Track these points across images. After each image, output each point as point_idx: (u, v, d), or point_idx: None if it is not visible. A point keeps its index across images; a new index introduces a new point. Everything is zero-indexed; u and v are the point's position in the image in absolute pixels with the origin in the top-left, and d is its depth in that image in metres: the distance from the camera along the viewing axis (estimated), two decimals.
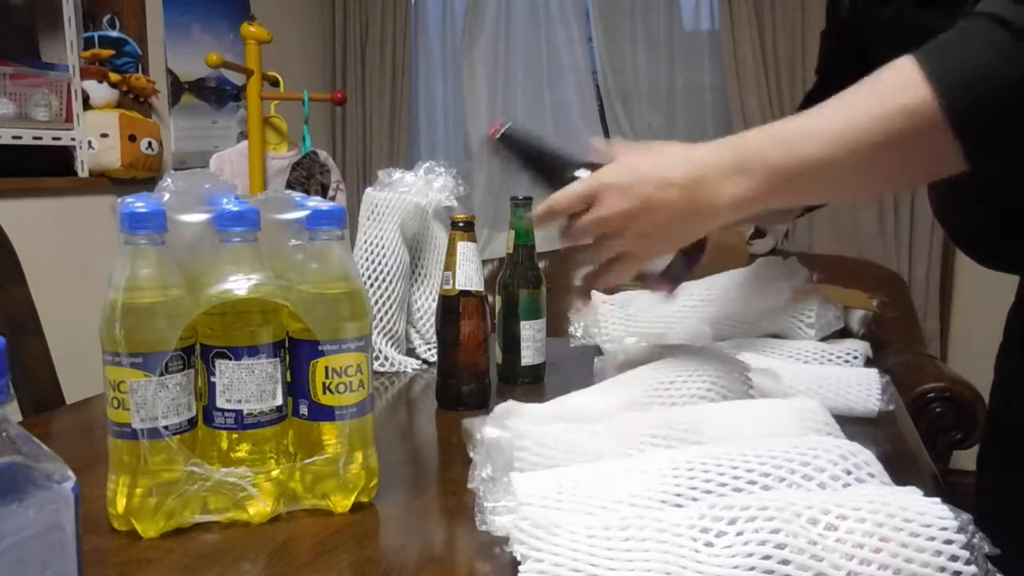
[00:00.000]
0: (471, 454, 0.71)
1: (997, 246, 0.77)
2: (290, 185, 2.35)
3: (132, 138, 2.28)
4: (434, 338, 1.10)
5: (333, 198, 2.44)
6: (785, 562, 0.46)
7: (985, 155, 0.61)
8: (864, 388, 0.88)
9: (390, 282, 1.15)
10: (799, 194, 0.69)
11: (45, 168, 2.17)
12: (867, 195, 0.76)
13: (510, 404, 0.74)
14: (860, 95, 0.65)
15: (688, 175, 0.69)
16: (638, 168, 0.72)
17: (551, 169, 0.80)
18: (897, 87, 0.62)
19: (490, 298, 1.09)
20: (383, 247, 1.15)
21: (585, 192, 0.73)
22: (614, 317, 1.17)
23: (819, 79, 0.99)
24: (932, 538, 0.46)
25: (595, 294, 1.25)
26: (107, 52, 2.30)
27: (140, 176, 2.35)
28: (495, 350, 1.06)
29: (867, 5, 0.82)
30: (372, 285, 1.14)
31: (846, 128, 0.64)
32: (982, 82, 0.59)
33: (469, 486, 0.68)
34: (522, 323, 1.04)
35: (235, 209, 0.63)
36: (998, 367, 0.86)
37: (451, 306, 0.94)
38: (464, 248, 0.94)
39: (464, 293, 0.93)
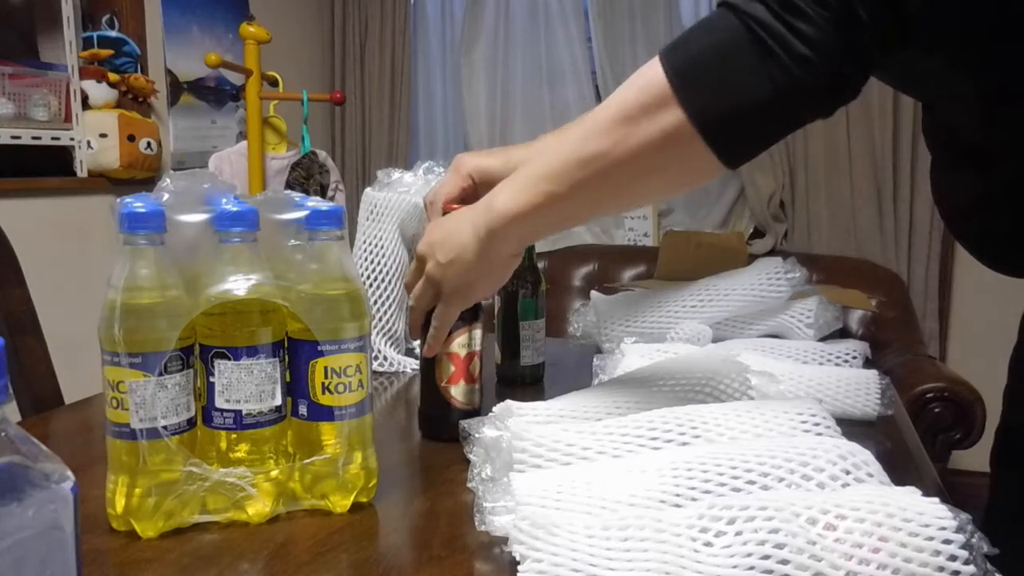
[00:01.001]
0: (469, 455, 0.71)
1: (1008, 250, 0.77)
2: (289, 185, 2.35)
3: (131, 138, 2.28)
4: None
5: (332, 198, 2.44)
6: (784, 562, 0.46)
7: (715, 131, 0.62)
8: (863, 391, 0.88)
9: (389, 282, 1.15)
10: (563, 201, 0.70)
11: (44, 168, 2.17)
12: (632, 197, 0.75)
13: (509, 404, 0.74)
14: (607, 109, 0.67)
15: (483, 215, 0.74)
16: (445, 236, 0.78)
17: None
18: (636, 75, 0.65)
19: (488, 299, 1.09)
20: (382, 247, 1.15)
21: (417, 263, 0.81)
22: (614, 317, 1.17)
23: None
24: (931, 538, 0.46)
25: (594, 294, 1.25)
26: (106, 52, 2.30)
27: (139, 176, 2.35)
28: (495, 350, 1.06)
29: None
30: (371, 285, 1.14)
31: (594, 119, 0.66)
32: (701, 50, 0.62)
33: (468, 485, 0.68)
34: (521, 323, 1.04)
35: (234, 209, 0.63)
36: (1013, 369, 0.86)
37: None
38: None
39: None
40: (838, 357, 1.04)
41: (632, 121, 0.64)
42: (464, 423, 0.72)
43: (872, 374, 0.91)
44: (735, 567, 0.47)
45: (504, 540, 0.53)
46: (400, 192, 1.17)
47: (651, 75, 0.63)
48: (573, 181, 0.67)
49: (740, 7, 0.60)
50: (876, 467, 0.57)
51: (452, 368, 0.83)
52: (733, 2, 0.61)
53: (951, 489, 0.70)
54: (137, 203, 0.60)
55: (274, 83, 2.40)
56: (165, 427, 0.61)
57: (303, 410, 0.66)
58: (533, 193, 0.70)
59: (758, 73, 0.59)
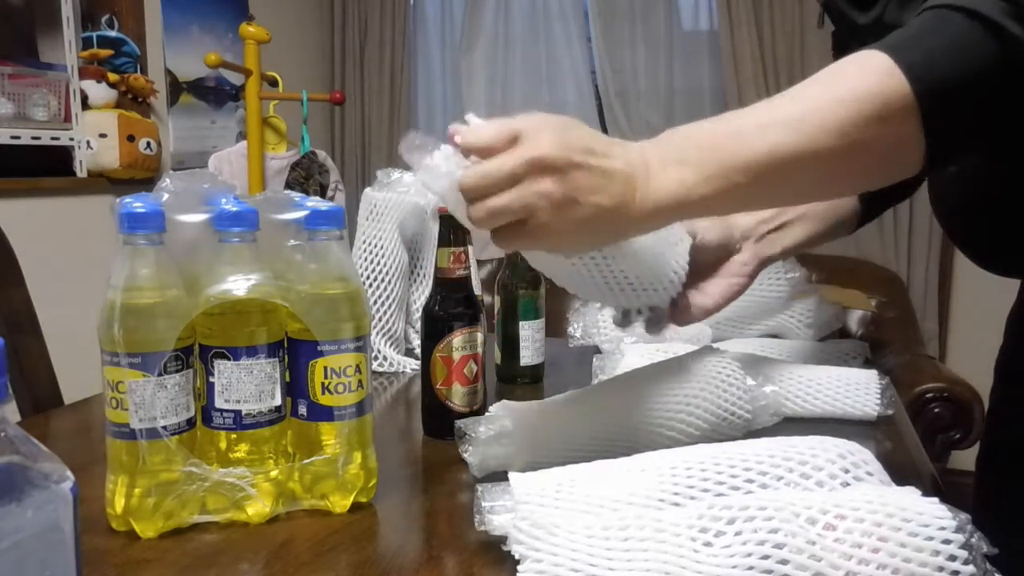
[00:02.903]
0: (464, 455, 0.71)
1: (1001, 251, 0.77)
2: (289, 185, 2.35)
3: (131, 138, 2.28)
4: None
5: (332, 198, 2.44)
6: (784, 562, 0.46)
7: (946, 151, 0.59)
8: (863, 391, 0.88)
9: (389, 282, 1.15)
10: (749, 193, 0.61)
11: (43, 168, 2.17)
12: (826, 194, 0.67)
13: (505, 403, 0.74)
14: (822, 83, 0.60)
15: (629, 155, 0.59)
16: (571, 125, 0.59)
17: None
18: (867, 74, 0.58)
19: (488, 299, 1.09)
20: (382, 247, 1.15)
21: (516, 168, 0.56)
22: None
23: None
24: (930, 538, 0.46)
25: None
26: (106, 52, 2.30)
27: (139, 176, 2.35)
28: (495, 350, 1.06)
29: (843, 14, 0.81)
30: (371, 285, 1.14)
31: (807, 115, 0.58)
32: (954, 72, 0.57)
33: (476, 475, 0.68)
34: (521, 323, 1.04)
35: (234, 209, 0.63)
36: (998, 370, 0.86)
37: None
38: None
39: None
40: (838, 357, 1.04)
41: (864, 130, 0.58)
42: (460, 423, 0.72)
43: (872, 374, 0.91)
44: (735, 567, 0.47)
45: (504, 540, 0.53)
46: (400, 192, 1.17)
47: (890, 86, 0.57)
48: (774, 176, 0.59)
49: (999, 24, 0.55)
50: (876, 466, 0.57)
51: (446, 370, 0.83)
52: (988, 15, 0.56)
53: (950, 489, 0.70)
54: (137, 203, 0.60)
55: (274, 83, 2.40)
56: (165, 427, 0.61)
57: (303, 410, 0.66)
58: (722, 182, 0.59)
59: (1014, 104, 0.56)
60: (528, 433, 0.70)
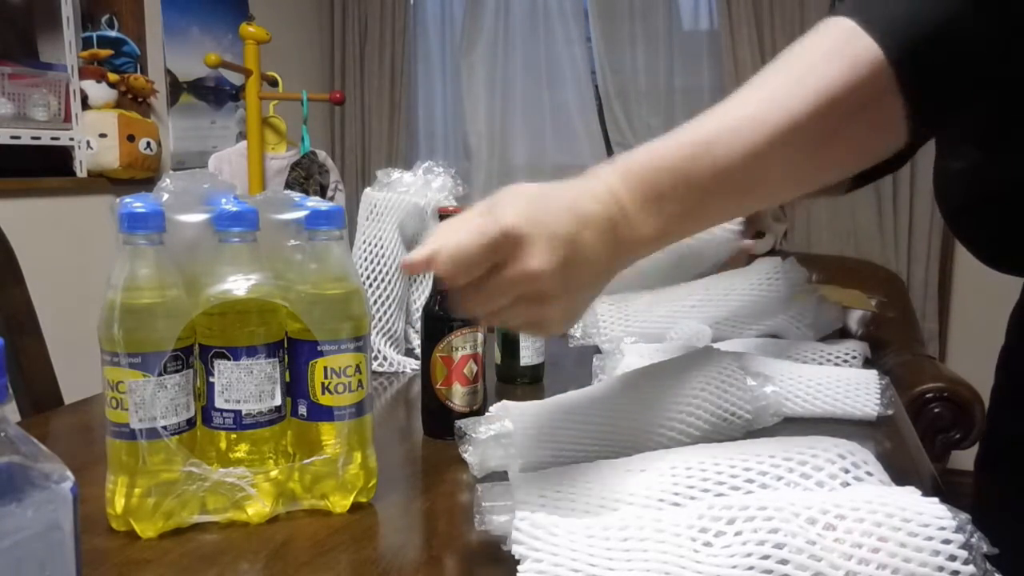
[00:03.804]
0: (464, 455, 0.71)
1: (1005, 248, 0.77)
2: (289, 185, 2.35)
3: (131, 138, 2.28)
4: None
5: (332, 198, 2.44)
6: (784, 562, 0.46)
7: (928, 113, 0.55)
8: (863, 391, 0.88)
9: (389, 282, 1.15)
10: (735, 201, 0.58)
11: (43, 168, 2.17)
12: (816, 183, 0.61)
13: (505, 404, 0.74)
14: (788, 63, 0.56)
15: (609, 208, 0.55)
16: (546, 198, 0.54)
17: None
18: (836, 44, 0.54)
19: None
20: (382, 247, 1.15)
21: (491, 242, 0.52)
22: (613, 317, 1.17)
23: None
24: (930, 538, 0.46)
25: None
26: (106, 52, 2.30)
27: (139, 176, 2.35)
28: (495, 350, 1.06)
29: None
30: (371, 285, 1.14)
31: (775, 105, 0.54)
32: (921, 22, 0.53)
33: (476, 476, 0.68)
34: None
35: (234, 209, 0.63)
36: (1000, 369, 0.86)
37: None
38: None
39: None
40: (838, 357, 1.04)
41: (841, 108, 0.54)
42: (459, 423, 0.72)
43: (872, 374, 0.91)
44: (735, 567, 0.47)
45: (504, 540, 0.53)
46: (400, 192, 1.17)
47: (859, 52, 0.53)
48: (756, 179, 0.56)
49: None
50: (876, 466, 0.57)
51: (445, 370, 0.83)
52: None
53: (950, 489, 0.70)
54: (137, 203, 0.60)
55: (274, 83, 2.40)
56: (164, 427, 0.61)
57: (303, 410, 0.66)
58: (705, 204, 0.57)
59: (991, 44, 0.52)
60: (528, 433, 0.70)
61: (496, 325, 0.57)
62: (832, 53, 0.54)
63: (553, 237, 0.53)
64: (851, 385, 0.89)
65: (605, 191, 0.55)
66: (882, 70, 0.53)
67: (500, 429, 0.70)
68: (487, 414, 0.73)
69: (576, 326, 1.21)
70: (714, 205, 0.57)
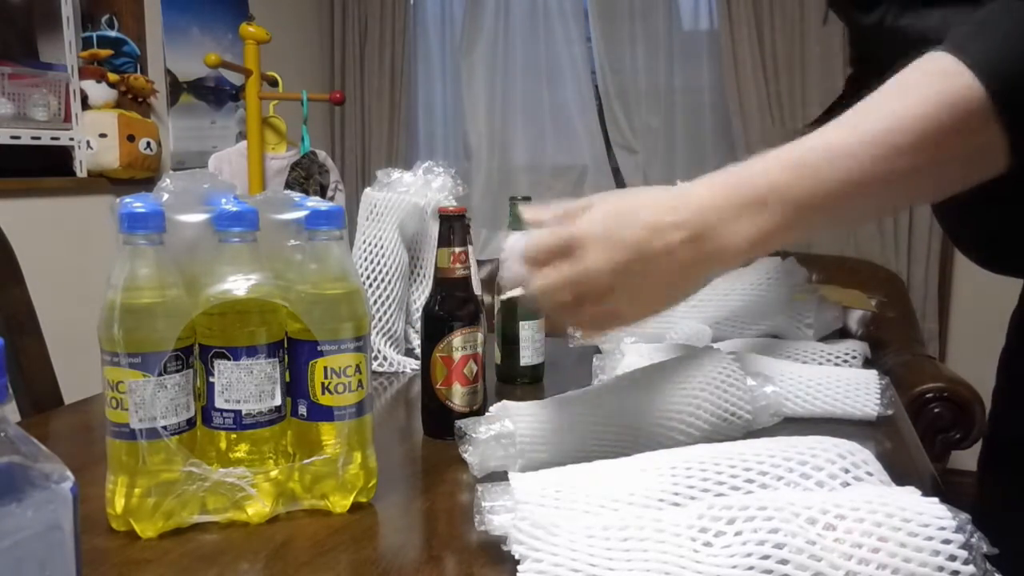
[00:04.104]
0: (464, 455, 0.71)
1: (1000, 250, 0.77)
2: (289, 185, 2.35)
3: (131, 138, 2.28)
4: None
5: (332, 198, 2.44)
6: (784, 562, 0.46)
7: None
8: (863, 392, 0.88)
9: (389, 282, 1.15)
10: (828, 223, 0.61)
11: (43, 168, 2.17)
12: (904, 207, 0.65)
13: (505, 404, 0.74)
14: (887, 98, 0.57)
15: (691, 219, 0.58)
16: (624, 213, 0.60)
17: None
18: (933, 80, 0.55)
19: (488, 299, 1.09)
20: (382, 247, 1.15)
21: (558, 244, 0.60)
22: None
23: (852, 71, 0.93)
24: (930, 538, 0.46)
25: None
26: (106, 52, 2.30)
27: (139, 176, 2.35)
28: (495, 350, 1.06)
29: (847, 12, 0.80)
30: (371, 285, 1.14)
31: (878, 136, 0.55)
32: (1022, 61, 0.53)
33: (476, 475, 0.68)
34: (521, 323, 1.04)
35: (234, 209, 0.63)
36: (1002, 370, 0.86)
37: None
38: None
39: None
40: (838, 357, 1.04)
41: (941, 146, 0.54)
42: (459, 423, 0.72)
43: (872, 374, 0.91)
44: (735, 567, 0.47)
45: (504, 540, 0.53)
46: (400, 192, 1.17)
47: (958, 87, 0.54)
48: (852, 205, 0.58)
49: None
50: (876, 466, 0.57)
51: (446, 370, 0.83)
52: None
53: (950, 489, 0.70)
54: (137, 203, 0.60)
55: (274, 83, 2.40)
56: (165, 427, 0.61)
57: (303, 410, 0.66)
58: (799, 222, 0.58)
59: None
60: (528, 433, 0.70)
61: (568, 324, 0.62)
62: (936, 95, 0.55)
63: (616, 242, 0.58)
64: (851, 385, 0.89)
65: (688, 204, 0.59)
66: (983, 107, 0.54)
67: (500, 429, 0.70)
68: (487, 414, 0.73)
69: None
70: (808, 223, 0.59)
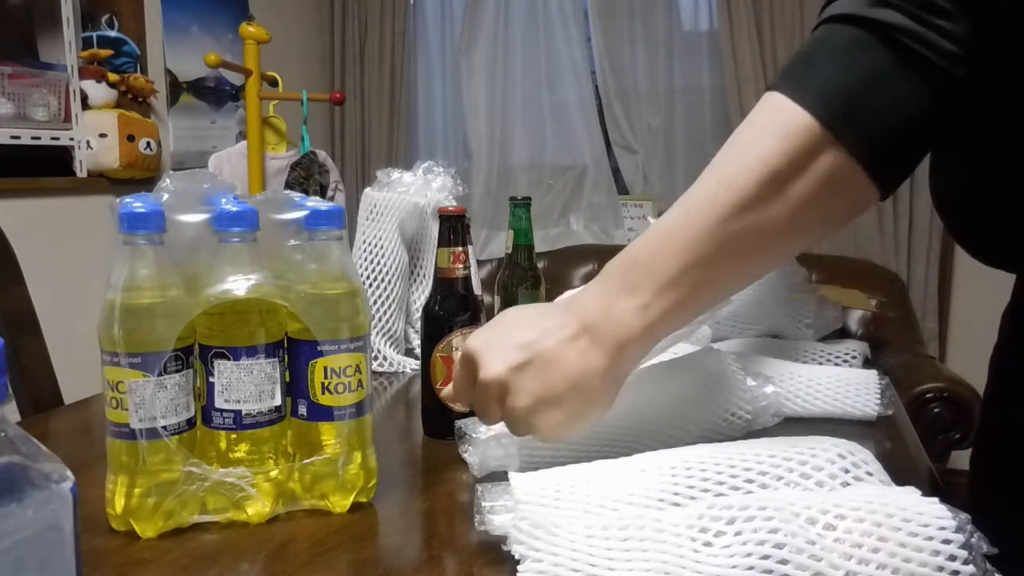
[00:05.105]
0: (464, 455, 0.71)
1: (997, 244, 0.77)
2: (289, 185, 2.35)
3: (131, 138, 2.28)
4: None
5: (332, 198, 2.44)
6: (784, 561, 0.46)
7: (886, 167, 0.56)
8: (863, 391, 0.88)
9: (389, 282, 1.15)
10: (712, 288, 0.60)
11: (43, 168, 2.17)
12: (791, 254, 0.64)
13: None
14: (731, 146, 0.58)
15: (575, 317, 0.60)
16: (512, 319, 0.63)
17: None
18: (766, 121, 0.56)
19: (488, 299, 1.09)
20: (382, 247, 1.15)
21: (461, 361, 0.64)
22: None
23: None
24: (930, 538, 0.46)
25: None
26: (106, 52, 2.30)
27: (139, 176, 2.35)
28: None
29: None
30: (371, 285, 1.14)
31: (724, 184, 0.56)
32: (851, 86, 0.55)
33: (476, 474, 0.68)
34: None
35: (234, 209, 0.63)
36: (993, 366, 0.86)
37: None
38: None
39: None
40: (838, 357, 1.04)
41: (783, 179, 0.55)
42: (459, 423, 0.72)
43: (872, 374, 0.91)
44: (735, 567, 0.47)
45: (504, 540, 0.53)
46: (400, 192, 1.17)
47: (788, 119, 0.55)
48: (720, 263, 0.58)
49: (867, 17, 0.54)
50: (876, 466, 0.57)
51: (446, 370, 0.83)
52: (854, 13, 0.54)
53: (950, 489, 0.70)
54: (136, 203, 0.60)
55: (274, 83, 2.40)
56: (164, 427, 0.61)
57: (303, 410, 0.66)
58: (676, 290, 0.58)
59: (913, 86, 0.54)
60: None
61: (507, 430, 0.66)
62: (766, 126, 0.57)
63: (508, 348, 0.60)
64: (851, 385, 0.89)
65: (570, 303, 0.61)
66: (816, 134, 0.55)
67: (500, 429, 0.70)
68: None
69: None
70: (689, 288, 0.58)
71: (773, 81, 0.59)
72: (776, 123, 0.56)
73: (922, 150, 0.59)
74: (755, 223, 0.57)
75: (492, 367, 0.60)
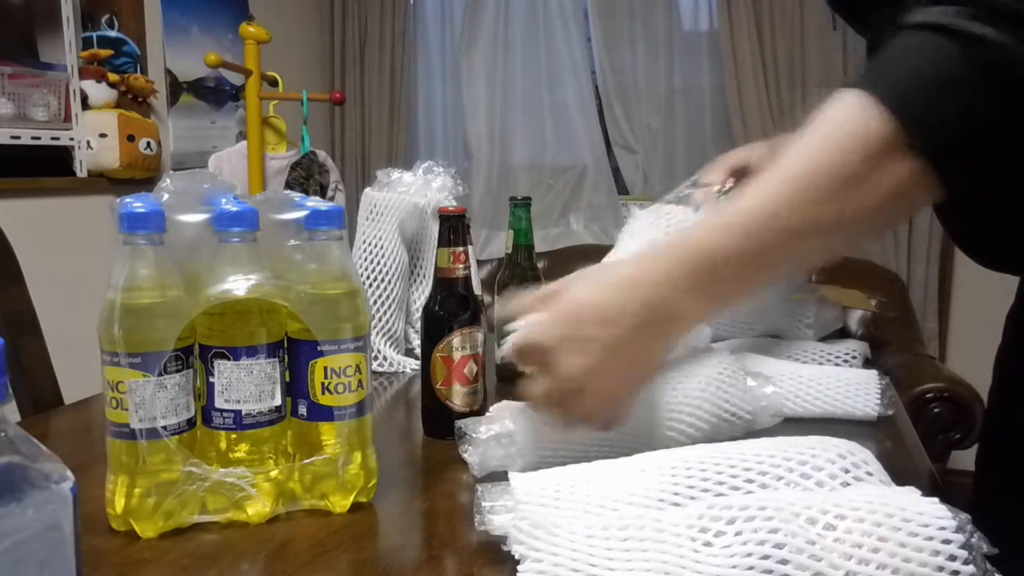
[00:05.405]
0: (464, 455, 0.71)
1: (998, 247, 0.77)
2: (289, 185, 2.35)
3: (131, 138, 2.28)
4: None
5: (332, 198, 2.44)
6: (784, 561, 0.46)
7: (955, 171, 0.57)
8: (863, 391, 0.88)
9: (389, 282, 1.15)
10: (771, 275, 0.62)
11: (43, 168, 2.17)
12: (846, 248, 0.67)
13: (507, 403, 0.74)
14: (803, 147, 0.59)
15: (644, 308, 0.61)
16: (582, 311, 0.62)
17: None
18: (843, 120, 0.57)
19: (488, 299, 1.09)
20: (382, 247, 1.15)
21: (524, 351, 0.64)
22: None
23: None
24: (930, 538, 0.46)
25: None
26: (106, 52, 2.30)
27: (139, 176, 2.35)
28: (494, 350, 1.06)
29: (856, 20, 0.81)
30: (371, 285, 1.14)
31: (796, 191, 0.57)
32: (938, 96, 0.55)
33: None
34: None
35: (234, 209, 0.63)
36: (997, 368, 0.86)
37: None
38: None
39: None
40: (838, 357, 1.04)
41: (858, 181, 0.56)
42: (460, 423, 0.72)
43: (872, 374, 0.91)
44: (735, 567, 0.47)
45: (504, 540, 0.53)
46: (400, 192, 1.17)
47: (864, 121, 0.56)
48: (784, 258, 0.60)
49: (960, 30, 0.54)
50: (876, 466, 0.57)
51: (446, 370, 0.83)
52: (946, 24, 0.55)
53: (950, 489, 0.70)
54: (137, 203, 0.60)
55: (274, 83, 2.40)
56: (165, 427, 0.61)
57: (303, 410, 0.66)
58: (741, 285, 0.62)
59: (992, 96, 0.54)
60: (528, 433, 0.70)
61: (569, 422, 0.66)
62: (843, 132, 0.57)
63: (580, 348, 0.60)
64: (851, 385, 0.89)
65: (635, 292, 0.61)
66: (894, 139, 0.55)
67: (500, 429, 0.70)
68: (487, 414, 0.73)
69: None
70: (748, 280, 0.62)
71: (851, 81, 0.59)
72: (848, 124, 0.57)
73: (991, 155, 0.59)
74: (824, 224, 0.58)
75: (566, 369, 0.61)
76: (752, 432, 0.77)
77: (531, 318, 0.63)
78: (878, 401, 0.88)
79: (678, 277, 0.60)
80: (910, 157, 0.55)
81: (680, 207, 0.78)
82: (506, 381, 1.06)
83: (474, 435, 0.70)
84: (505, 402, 0.74)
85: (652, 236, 0.78)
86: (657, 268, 0.61)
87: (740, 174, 0.79)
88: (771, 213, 0.58)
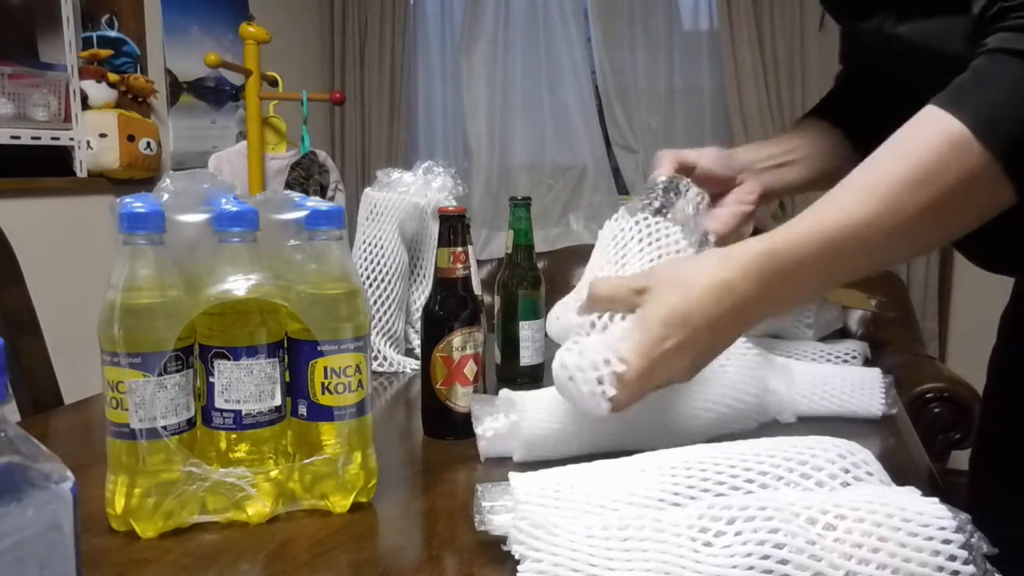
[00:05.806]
0: (477, 431, 0.73)
1: (994, 248, 0.77)
2: (289, 185, 2.35)
3: (131, 138, 2.28)
4: None
5: (332, 198, 2.44)
6: (784, 561, 0.46)
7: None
8: (867, 390, 0.88)
9: (389, 282, 1.15)
10: (846, 279, 0.67)
11: (43, 168, 2.17)
12: (917, 255, 0.73)
13: (508, 393, 0.75)
14: (895, 160, 0.61)
15: (737, 317, 0.64)
16: (690, 318, 0.63)
17: None
18: (943, 148, 0.59)
19: (488, 299, 1.09)
20: (382, 247, 1.15)
21: (645, 364, 0.64)
22: None
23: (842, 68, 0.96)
24: (930, 538, 0.46)
25: None
26: (106, 52, 2.30)
27: (139, 176, 2.35)
28: (495, 350, 1.06)
29: (849, 18, 0.81)
30: (371, 285, 1.14)
31: (897, 214, 0.59)
32: (1005, 100, 0.58)
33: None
34: (521, 323, 1.04)
35: (234, 209, 0.63)
36: (991, 369, 0.86)
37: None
38: None
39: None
40: (838, 357, 1.04)
41: (952, 208, 0.59)
42: (475, 407, 0.74)
43: (875, 372, 0.91)
44: (735, 567, 0.47)
45: (504, 540, 0.53)
46: (400, 192, 1.17)
47: (965, 153, 0.58)
48: (872, 264, 0.64)
49: None
50: (876, 466, 0.57)
51: (446, 371, 0.83)
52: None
53: (950, 489, 0.70)
54: (137, 203, 0.60)
55: (274, 83, 2.40)
56: (165, 427, 0.61)
57: (303, 410, 0.66)
58: (810, 290, 0.67)
59: None
60: (533, 418, 0.72)
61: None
62: (942, 161, 0.59)
63: (686, 349, 0.63)
64: (856, 384, 0.89)
65: (735, 291, 0.63)
66: (990, 169, 0.58)
67: (505, 422, 0.71)
68: (498, 400, 0.75)
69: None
70: (824, 287, 0.71)
71: (944, 103, 0.61)
72: (949, 152, 0.58)
73: None
74: (918, 239, 0.62)
75: (679, 370, 0.64)
76: (752, 432, 0.77)
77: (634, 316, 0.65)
78: (882, 400, 0.88)
79: (766, 289, 0.63)
80: (1001, 179, 0.58)
81: (664, 222, 0.78)
82: (506, 381, 1.06)
83: (487, 418, 0.72)
84: (505, 391, 0.76)
85: (646, 254, 0.79)
86: (750, 273, 0.63)
87: (686, 172, 0.81)
88: (861, 237, 0.61)
